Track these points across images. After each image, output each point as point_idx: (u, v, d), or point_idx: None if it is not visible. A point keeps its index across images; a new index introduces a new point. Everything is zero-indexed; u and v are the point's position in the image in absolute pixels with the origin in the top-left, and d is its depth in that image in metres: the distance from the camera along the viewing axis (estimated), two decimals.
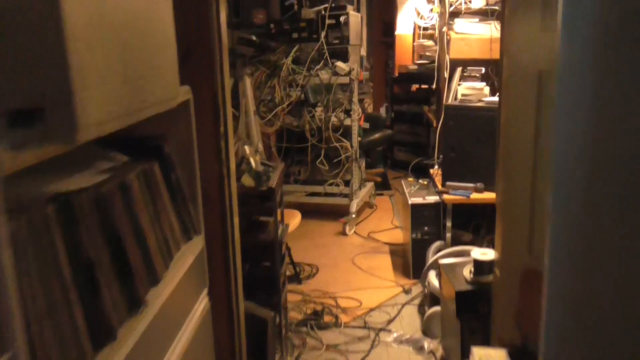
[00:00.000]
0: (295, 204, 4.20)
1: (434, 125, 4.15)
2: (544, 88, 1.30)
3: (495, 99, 3.05)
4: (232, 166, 1.52)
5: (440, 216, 3.08)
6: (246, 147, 2.29)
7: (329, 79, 3.85)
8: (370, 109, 6.52)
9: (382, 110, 6.13)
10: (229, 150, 1.48)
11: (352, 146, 4.00)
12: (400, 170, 5.85)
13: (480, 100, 3.26)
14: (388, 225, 4.19)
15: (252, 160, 2.16)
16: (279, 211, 2.21)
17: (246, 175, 2.11)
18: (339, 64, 3.82)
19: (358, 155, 4.04)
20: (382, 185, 5.25)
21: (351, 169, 4.05)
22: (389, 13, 6.47)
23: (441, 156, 3.39)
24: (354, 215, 3.99)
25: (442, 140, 3.49)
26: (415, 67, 5.74)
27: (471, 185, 3.00)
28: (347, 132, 4.02)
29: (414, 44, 5.96)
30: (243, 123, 2.68)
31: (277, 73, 3.91)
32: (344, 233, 3.96)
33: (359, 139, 4.05)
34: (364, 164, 4.53)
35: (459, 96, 3.60)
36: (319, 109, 3.93)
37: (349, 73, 3.85)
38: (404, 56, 5.97)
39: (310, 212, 4.29)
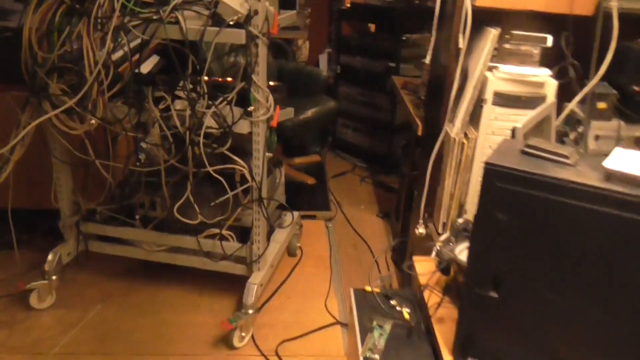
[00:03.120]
0: (135, 266, 2.19)
1: (418, 126, 2.13)
2: None
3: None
4: None
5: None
6: None
7: (201, 31, 1.71)
8: (304, 56, 4.35)
9: (322, 61, 3.99)
10: None
11: (251, 172, 1.94)
12: (347, 157, 3.84)
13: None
14: (319, 304, 2.26)
15: None
16: None
17: None
18: None
19: (262, 185, 1.98)
20: (317, 193, 3.26)
21: (253, 209, 2.01)
22: None
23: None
24: (251, 312, 2.00)
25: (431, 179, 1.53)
26: None
27: None
28: (243, 143, 1.94)
29: None
30: None
31: (86, 9, 1.72)
32: (229, 344, 1.99)
33: (268, 155, 1.98)
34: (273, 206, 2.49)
35: (488, 96, 1.62)
36: (179, 102, 1.81)
37: (246, 20, 1.72)
38: None
39: (165, 284, 2.30)
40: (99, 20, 1.72)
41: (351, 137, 3.82)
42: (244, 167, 1.91)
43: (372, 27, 3.96)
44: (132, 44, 1.94)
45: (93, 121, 1.80)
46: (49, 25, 1.77)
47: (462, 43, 1.67)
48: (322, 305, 2.27)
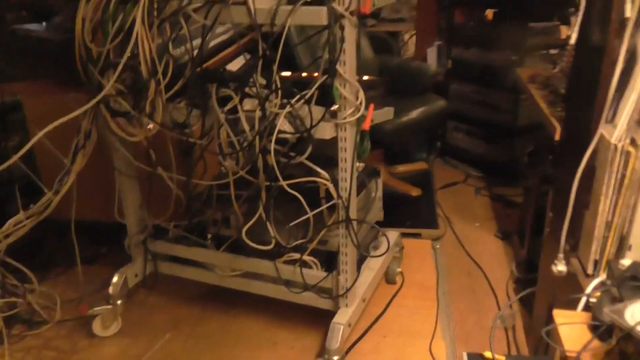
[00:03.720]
0: (207, 290, 1.91)
1: (554, 128, 1.63)
2: None
3: None
4: None
5: None
6: None
7: (272, 11, 1.36)
8: (410, 52, 3.91)
9: (430, 55, 3.52)
10: None
11: (337, 187, 1.56)
12: (458, 164, 3.35)
13: None
14: (423, 348, 1.83)
15: None
16: None
17: None
18: None
19: (350, 203, 1.59)
20: (422, 207, 2.81)
21: (339, 232, 1.63)
22: None
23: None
24: (336, 358, 1.62)
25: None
26: None
27: None
28: (326, 151, 1.57)
29: None
30: None
31: None
32: None
33: (359, 164, 1.59)
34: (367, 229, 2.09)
35: None
36: (247, 101, 1.47)
37: None
38: None
39: (240, 313, 1.99)
40: (155, 5, 1.44)
41: (464, 142, 3.32)
42: (327, 181, 1.54)
43: (489, 14, 3.43)
44: (218, 40, 1.66)
45: (151, 126, 1.52)
46: (103, 13, 1.52)
47: (629, 10, 1.17)
48: (426, 349, 1.83)
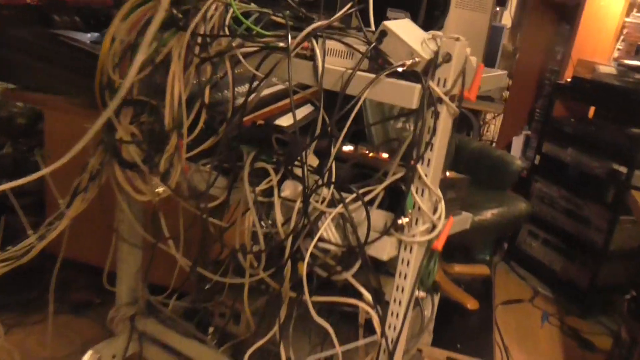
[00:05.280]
0: None
1: None
2: None
3: None
4: None
5: None
6: None
7: (344, 76, 0.99)
8: (492, 135, 3.50)
9: (516, 145, 3.08)
10: None
11: (383, 320, 1.14)
12: (526, 275, 2.86)
13: None
14: None
15: None
16: None
17: None
18: (397, 23, 0.97)
19: (395, 348, 1.16)
20: (477, 325, 2.33)
21: None
22: None
23: None
24: None
25: None
26: (614, 70, 2.68)
27: None
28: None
29: (625, 21, 2.85)
30: None
31: (188, 22, 1.11)
32: None
33: (420, 294, 1.18)
34: None
35: None
36: (289, 184, 1.09)
37: (426, 69, 0.97)
38: (591, 45, 2.86)
39: None
40: (198, 40, 1.10)
41: (537, 252, 2.83)
42: (370, 309, 1.13)
43: (590, 111, 2.99)
44: (270, 90, 1.32)
45: (160, 189, 1.16)
46: (137, 37, 1.19)
47: None
48: None
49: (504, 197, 2.40)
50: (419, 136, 1.01)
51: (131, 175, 1.25)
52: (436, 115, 1.01)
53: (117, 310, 1.53)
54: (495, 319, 2.40)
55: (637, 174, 2.38)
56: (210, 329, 1.49)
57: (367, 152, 1.41)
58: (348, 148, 1.49)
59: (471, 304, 2.42)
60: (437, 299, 1.67)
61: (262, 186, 1.11)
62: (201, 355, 1.47)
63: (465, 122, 3.43)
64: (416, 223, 1.06)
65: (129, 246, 1.45)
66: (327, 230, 1.03)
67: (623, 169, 2.41)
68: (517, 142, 3.12)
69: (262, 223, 1.10)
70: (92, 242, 1.80)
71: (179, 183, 1.18)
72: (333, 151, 1.02)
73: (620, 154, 2.47)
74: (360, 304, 1.14)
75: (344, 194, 1.06)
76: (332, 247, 1.04)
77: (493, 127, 3.70)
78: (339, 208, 1.03)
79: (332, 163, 1.03)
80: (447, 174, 1.45)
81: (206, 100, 1.12)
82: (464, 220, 1.48)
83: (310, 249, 1.02)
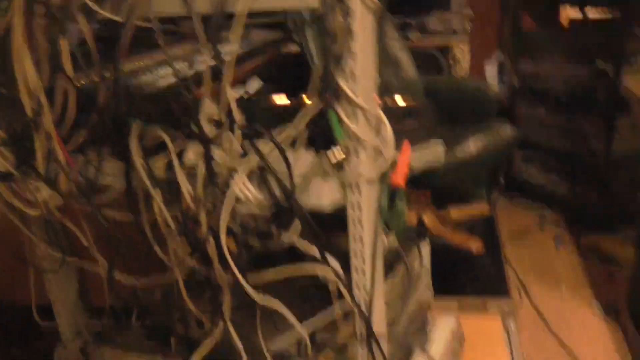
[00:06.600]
0: None
1: None
2: None
3: None
4: None
5: None
6: None
7: None
8: (463, 67, 3.25)
9: (489, 73, 2.85)
10: None
11: (349, 285, 0.92)
12: (529, 203, 2.64)
13: None
14: None
15: None
16: None
17: None
18: None
19: (372, 310, 0.94)
20: (486, 266, 2.12)
21: (359, 352, 0.98)
22: None
23: None
24: None
25: None
26: None
27: None
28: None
29: None
30: None
31: None
32: None
33: (388, 238, 0.96)
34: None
35: None
36: (193, 149, 0.87)
37: None
38: None
39: None
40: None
41: (537, 177, 2.61)
42: (338, 275, 0.91)
43: (565, 17, 2.74)
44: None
45: (44, 193, 0.94)
46: None
47: None
48: None
49: (487, 127, 2.18)
50: (330, 42, 0.78)
51: (17, 189, 1.02)
52: (346, 12, 0.79)
53: (64, 347, 1.32)
54: (505, 255, 2.18)
55: (626, 69, 2.15)
56: (172, 341, 1.27)
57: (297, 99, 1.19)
58: (283, 101, 1.28)
59: (475, 245, 2.19)
60: (426, 247, 1.46)
61: (160, 160, 0.89)
62: None
63: (434, 63, 3.21)
64: (355, 154, 0.84)
65: (50, 274, 1.23)
66: (243, 189, 0.81)
67: (609, 67, 2.18)
68: (491, 70, 2.88)
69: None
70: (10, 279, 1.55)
71: (70, 182, 0.96)
72: (224, 86, 0.79)
73: (602, 50, 2.24)
74: (309, 267, 0.92)
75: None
76: (255, 209, 0.82)
77: (464, 61, 3.47)
78: (251, 159, 0.81)
79: (228, 92, 0.80)
80: (401, 101, 1.24)
81: (68, 73, 0.89)
82: (433, 151, 1.27)
83: (224, 214, 0.80)
